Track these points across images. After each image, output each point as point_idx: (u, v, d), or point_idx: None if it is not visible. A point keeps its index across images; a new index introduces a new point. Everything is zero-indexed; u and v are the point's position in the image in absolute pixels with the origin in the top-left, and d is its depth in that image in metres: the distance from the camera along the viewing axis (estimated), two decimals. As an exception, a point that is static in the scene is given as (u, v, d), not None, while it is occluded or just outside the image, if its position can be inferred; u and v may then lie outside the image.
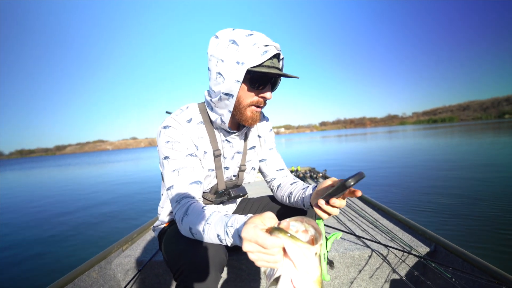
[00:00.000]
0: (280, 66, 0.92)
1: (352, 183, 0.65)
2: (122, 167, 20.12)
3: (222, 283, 1.56)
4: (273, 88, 0.93)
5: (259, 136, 1.17)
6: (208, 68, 0.91)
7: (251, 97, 0.90)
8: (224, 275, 1.54)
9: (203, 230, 0.75)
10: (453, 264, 1.38)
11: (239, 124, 1.06)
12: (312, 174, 4.07)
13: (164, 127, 0.93)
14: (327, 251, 0.80)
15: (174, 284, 0.85)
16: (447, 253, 1.43)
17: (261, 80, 0.87)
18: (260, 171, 1.23)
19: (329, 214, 0.77)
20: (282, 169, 1.21)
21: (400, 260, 1.49)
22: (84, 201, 7.00)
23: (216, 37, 0.87)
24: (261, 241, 0.49)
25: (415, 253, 1.46)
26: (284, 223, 0.51)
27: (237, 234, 0.65)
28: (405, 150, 13.88)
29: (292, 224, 0.54)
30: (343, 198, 0.75)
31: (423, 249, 1.52)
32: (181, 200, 0.86)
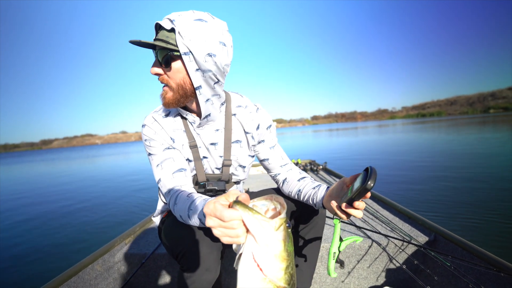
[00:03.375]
0: (159, 36, 0.83)
1: (372, 185, 0.64)
2: (116, 161, 20.14)
3: (223, 273, 1.58)
4: (164, 62, 0.85)
5: (246, 132, 1.08)
6: None
7: None
8: (226, 266, 1.56)
9: (189, 217, 0.78)
10: (452, 253, 1.39)
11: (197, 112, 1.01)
12: (312, 166, 4.08)
13: (142, 126, 0.98)
14: (339, 251, 0.80)
15: (177, 276, 0.86)
16: (447, 242, 1.45)
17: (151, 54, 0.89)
18: (264, 167, 1.20)
19: (349, 215, 0.77)
20: (286, 164, 1.16)
21: (400, 250, 1.51)
22: (82, 196, 7.02)
23: None
24: (219, 213, 0.48)
25: (415, 243, 1.48)
26: (243, 195, 0.50)
27: None
28: (400, 143, 14.05)
29: (262, 202, 0.53)
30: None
31: (423, 239, 1.53)
32: (170, 191, 0.90)
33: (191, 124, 1.00)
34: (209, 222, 0.51)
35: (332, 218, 0.83)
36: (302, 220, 1.11)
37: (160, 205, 1.14)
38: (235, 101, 1.06)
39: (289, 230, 0.51)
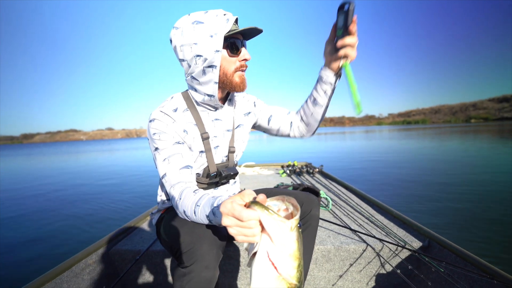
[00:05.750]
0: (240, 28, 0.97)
1: (352, 7, 0.73)
2: (104, 158, 19.76)
3: (220, 274, 1.58)
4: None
5: (248, 113, 1.19)
6: (181, 60, 0.95)
7: (233, 64, 0.95)
8: (222, 266, 1.56)
9: (194, 213, 0.79)
10: (446, 258, 1.41)
11: (225, 99, 1.09)
12: (308, 169, 4.09)
13: (150, 121, 0.97)
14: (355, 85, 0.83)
15: (174, 273, 0.86)
16: (441, 248, 1.47)
17: (236, 44, 0.93)
18: (274, 131, 1.23)
19: (352, 46, 0.83)
20: (289, 112, 1.22)
21: (394, 254, 1.52)
22: (78, 192, 6.94)
23: (176, 28, 0.91)
24: (237, 213, 0.51)
25: (409, 248, 1.49)
26: (261, 196, 0.52)
27: (219, 211, 0.67)
28: (390, 149, 14.32)
29: (274, 203, 0.55)
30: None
31: (417, 244, 1.55)
32: (175, 186, 0.90)
33: (212, 113, 1.05)
34: (225, 221, 0.53)
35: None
36: None
37: (161, 201, 1.14)
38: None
39: (300, 230, 0.53)
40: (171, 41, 0.94)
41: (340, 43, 0.84)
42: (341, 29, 0.81)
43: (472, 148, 12.90)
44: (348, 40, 0.82)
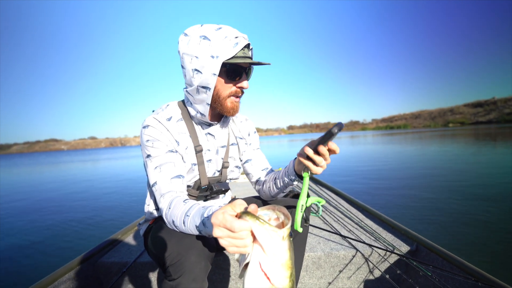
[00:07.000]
0: (250, 55, 0.94)
1: (336, 131, 0.70)
2: (87, 168, 19.14)
3: (209, 285, 1.54)
4: (247, 77, 0.96)
5: (240, 138, 1.20)
6: (182, 66, 0.94)
7: (229, 88, 0.94)
8: (211, 276, 1.53)
9: (183, 222, 0.79)
10: (433, 262, 1.43)
11: (220, 117, 1.09)
12: (298, 175, 4.12)
13: (144, 127, 0.95)
14: (306, 206, 0.79)
15: (161, 286, 0.84)
16: (428, 252, 1.49)
17: (236, 71, 0.91)
18: (245, 172, 1.25)
19: (317, 164, 0.80)
20: (267, 168, 1.22)
21: (383, 259, 1.54)
22: (61, 203, 6.72)
23: (186, 35, 0.90)
24: (229, 224, 0.50)
25: (398, 252, 1.51)
26: (252, 206, 0.52)
27: (210, 222, 0.67)
28: (379, 154, 14.64)
29: (265, 212, 0.55)
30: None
31: (405, 248, 1.57)
32: (165, 195, 0.89)
33: (206, 128, 1.05)
34: (217, 233, 0.52)
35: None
36: None
37: (149, 211, 1.11)
38: None
39: (291, 239, 0.53)
40: (178, 43, 0.93)
41: (306, 150, 0.80)
42: (320, 142, 0.77)
43: (454, 151, 13.39)
44: (316, 157, 0.78)
